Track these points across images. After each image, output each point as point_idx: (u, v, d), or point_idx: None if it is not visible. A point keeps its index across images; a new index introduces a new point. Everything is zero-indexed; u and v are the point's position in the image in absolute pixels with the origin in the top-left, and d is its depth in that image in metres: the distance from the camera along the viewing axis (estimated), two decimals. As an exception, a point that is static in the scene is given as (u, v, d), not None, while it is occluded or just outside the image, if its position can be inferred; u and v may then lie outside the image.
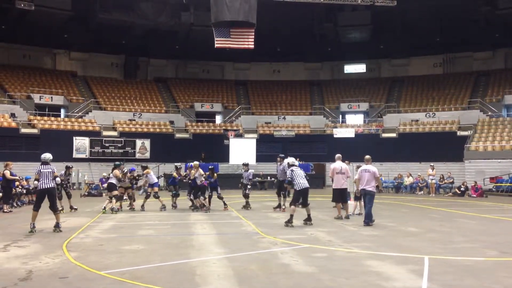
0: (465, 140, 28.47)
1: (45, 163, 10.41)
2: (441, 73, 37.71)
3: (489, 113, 31.45)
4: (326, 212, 14.30)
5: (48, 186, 10.25)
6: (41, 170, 10.26)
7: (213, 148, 30.12)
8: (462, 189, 23.29)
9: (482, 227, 11.54)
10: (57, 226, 10.36)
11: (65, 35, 33.97)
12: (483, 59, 36.14)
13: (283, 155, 15.79)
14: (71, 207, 15.01)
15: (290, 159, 12.53)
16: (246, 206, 15.73)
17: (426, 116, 32.87)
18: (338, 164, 12.81)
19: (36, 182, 10.27)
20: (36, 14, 29.07)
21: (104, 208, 14.64)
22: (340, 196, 12.82)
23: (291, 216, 11.17)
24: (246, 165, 16.30)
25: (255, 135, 32.48)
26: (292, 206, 11.26)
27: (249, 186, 15.91)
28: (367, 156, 12.13)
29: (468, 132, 29.46)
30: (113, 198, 14.65)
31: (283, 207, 14.66)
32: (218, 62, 39.17)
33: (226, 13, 26.07)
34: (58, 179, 10.52)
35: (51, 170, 10.35)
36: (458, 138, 29.04)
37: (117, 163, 15.59)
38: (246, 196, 15.81)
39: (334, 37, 35.38)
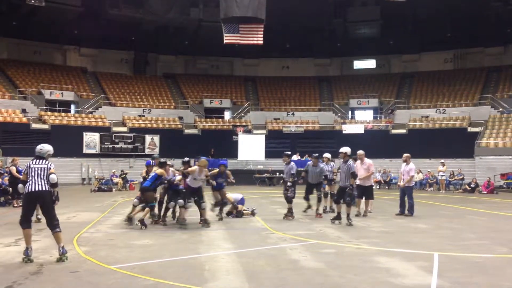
0: (476, 136, 28.23)
1: (40, 157, 7.35)
2: (452, 68, 37.34)
3: (500, 109, 31.12)
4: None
5: (40, 189, 7.09)
6: (31, 166, 7.21)
7: (222, 144, 30.14)
8: (472, 185, 23.14)
9: (492, 224, 11.46)
10: (63, 253, 7.06)
11: (75, 31, 34.14)
12: (495, 55, 35.73)
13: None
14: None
15: (348, 149, 11.37)
16: (288, 214, 11.91)
17: (436, 112, 32.62)
18: (367, 161, 12.83)
19: (20, 185, 7.31)
20: (46, 10, 29.23)
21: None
22: (365, 193, 12.83)
23: (341, 213, 11.06)
24: (288, 155, 12.38)
25: (264, 131, 32.47)
26: (340, 204, 10.83)
27: (289, 184, 11.83)
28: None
29: (479, 128, 29.20)
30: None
31: (319, 212, 12.44)
32: (227, 58, 39.14)
33: (235, 9, 26.03)
34: (53, 176, 7.20)
35: (46, 166, 7.24)
36: (469, 134, 28.78)
37: (155, 155, 12.41)
38: (288, 199, 11.90)
39: (343, 32, 35.21)
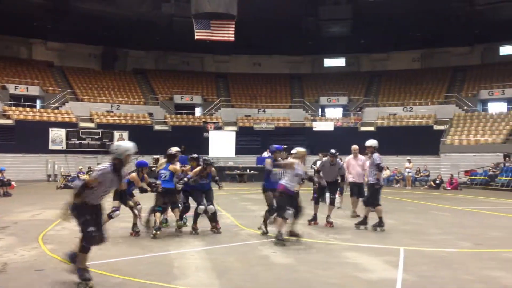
0: (441, 134, 28.99)
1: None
2: (419, 68, 38.17)
3: (465, 108, 32.05)
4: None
5: None
6: None
7: (193, 140, 29.95)
8: (437, 182, 23.77)
9: (457, 219, 11.80)
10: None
11: (41, 25, 33.22)
12: (461, 55, 36.67)
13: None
14: None
15: (374, 142, 10.07)
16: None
17: (403, 110, 33.31)
18: (361, 157, 12.13)
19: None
20: (11, 2, 28.34)
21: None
22: (358, 191, 11.86)
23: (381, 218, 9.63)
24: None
25: (235, 128, 32.45)
26: (379, 207, 9.56)
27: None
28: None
29: (444, 126, 30.01)
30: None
31: (330, 220, 10.38)
32: (198, 54, 38.85)
33: (207, 5, 25.89)
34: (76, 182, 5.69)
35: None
36: (434, 132, 29.53)
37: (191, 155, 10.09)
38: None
39: (315, 30, 35.39)
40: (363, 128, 31.82)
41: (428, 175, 25.40)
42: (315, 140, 27.35)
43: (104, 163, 5.73)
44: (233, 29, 26.90)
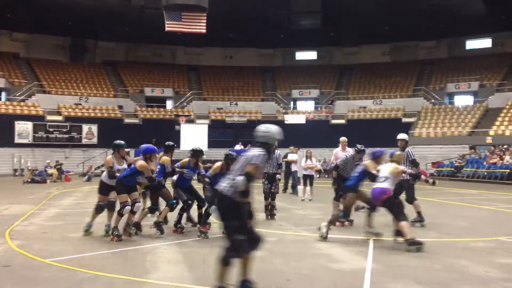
0: (410, 127, 29.57)
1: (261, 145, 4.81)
2: (389, 61, 38.74)
3: (432, 101, 32.77)
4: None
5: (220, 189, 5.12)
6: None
7: (164, 133, 29.64)
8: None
9: (424, 210, 12.03)
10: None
11: (7, 15, 32.17)
12: (428, 48, 37.44)
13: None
14: None
15: (406, 135, 9.80)
16: (271, 212, 10.15)
17: (373, 103, 33.84)
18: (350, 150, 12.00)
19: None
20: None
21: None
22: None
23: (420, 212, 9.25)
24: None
25: (207, 121, 32.32)
26: (416, 201, 9.33)
27: (278, 176, 10.12)
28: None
29: (413, 119, 30.63)
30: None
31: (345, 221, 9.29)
32: (170, 46, 38.41)
33: (178, -4, 25.62)
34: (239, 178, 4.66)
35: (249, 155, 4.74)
36: (403, 125, 30.09)
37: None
38: (272, 195, 10.11)
39: (286, 23, 35.46)
40: (334, 121, 32.19)
41: (397, 167, 25.84)
42: (287, 133, 27.43)
43: (252, 149, 4.80)
44: (205, 21, 26.71)
